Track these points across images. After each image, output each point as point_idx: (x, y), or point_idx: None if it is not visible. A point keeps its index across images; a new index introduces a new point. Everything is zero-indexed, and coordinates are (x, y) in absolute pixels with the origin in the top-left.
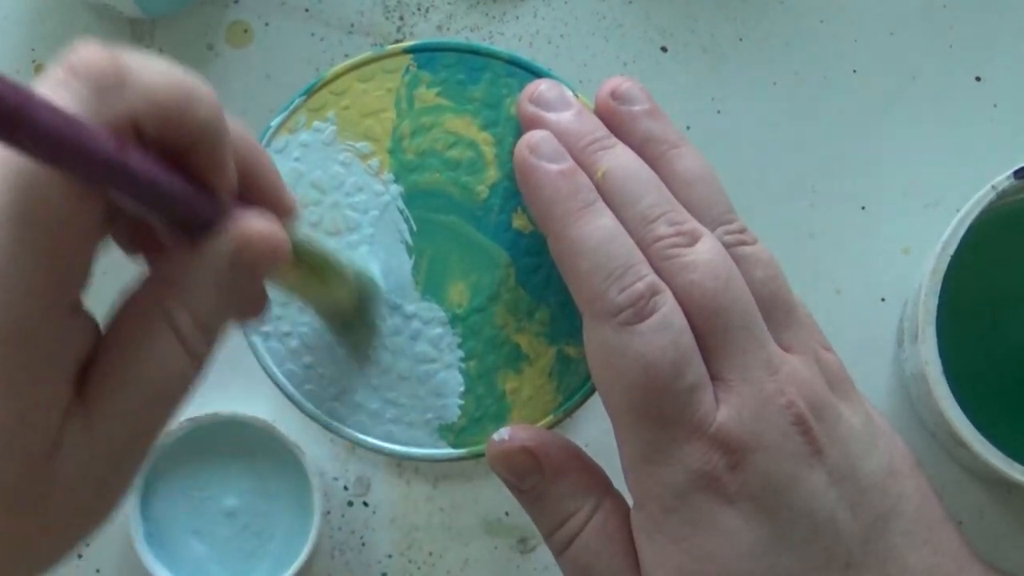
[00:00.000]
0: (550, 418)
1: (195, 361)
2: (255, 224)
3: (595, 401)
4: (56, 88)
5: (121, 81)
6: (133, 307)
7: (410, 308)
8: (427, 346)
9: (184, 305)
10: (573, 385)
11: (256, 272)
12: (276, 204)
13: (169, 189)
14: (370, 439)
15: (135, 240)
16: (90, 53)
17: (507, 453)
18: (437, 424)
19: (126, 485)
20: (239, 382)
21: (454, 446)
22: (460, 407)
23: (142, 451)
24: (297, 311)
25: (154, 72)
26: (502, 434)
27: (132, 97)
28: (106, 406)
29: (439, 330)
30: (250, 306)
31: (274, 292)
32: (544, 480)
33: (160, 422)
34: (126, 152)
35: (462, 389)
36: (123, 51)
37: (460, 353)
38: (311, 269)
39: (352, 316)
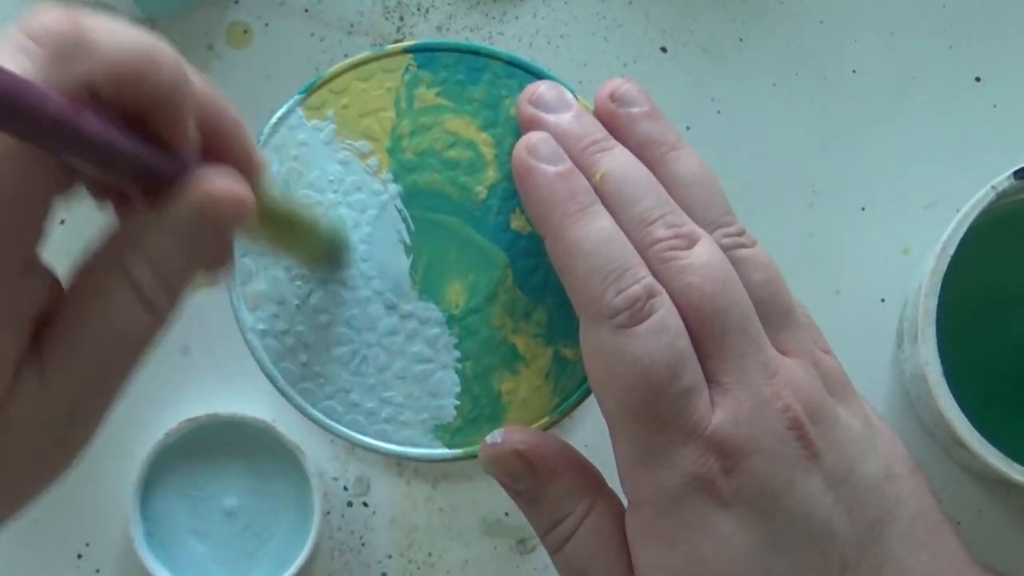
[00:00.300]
0: (546, 419)
1: (155, 316)
2: (218, 182)
3: (594, 402)
4: (12, 51)
5: (79, 45)
6: (93, 262)
7: (407, 308)
8: (424, 346)
9: (144, 260)
10: (569, 387)
11: (219, 229)
12: (243, 161)
13: (126, 151)
14: (365, 438)
15: (103, 189)
16: (49, 16)
17: (499, 456)
18: (433, 424)
19: (84, 439)
20: (239, 382)
21: (449, 446)
22: (456, 407)
23: (102, 405)
24: (295, 309)
25: (114, 36)
26: (495, 436)
27: (90, 61)
28: (61, 359)
29: (436, 330)
30: (215, 260)
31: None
32: (538, 482)
33: (119, 376)
34: (80, 116)
35: (458, 389)
36: (83, 15)
37: (457, 353)
38: (282, 224)
39: (323, 264)
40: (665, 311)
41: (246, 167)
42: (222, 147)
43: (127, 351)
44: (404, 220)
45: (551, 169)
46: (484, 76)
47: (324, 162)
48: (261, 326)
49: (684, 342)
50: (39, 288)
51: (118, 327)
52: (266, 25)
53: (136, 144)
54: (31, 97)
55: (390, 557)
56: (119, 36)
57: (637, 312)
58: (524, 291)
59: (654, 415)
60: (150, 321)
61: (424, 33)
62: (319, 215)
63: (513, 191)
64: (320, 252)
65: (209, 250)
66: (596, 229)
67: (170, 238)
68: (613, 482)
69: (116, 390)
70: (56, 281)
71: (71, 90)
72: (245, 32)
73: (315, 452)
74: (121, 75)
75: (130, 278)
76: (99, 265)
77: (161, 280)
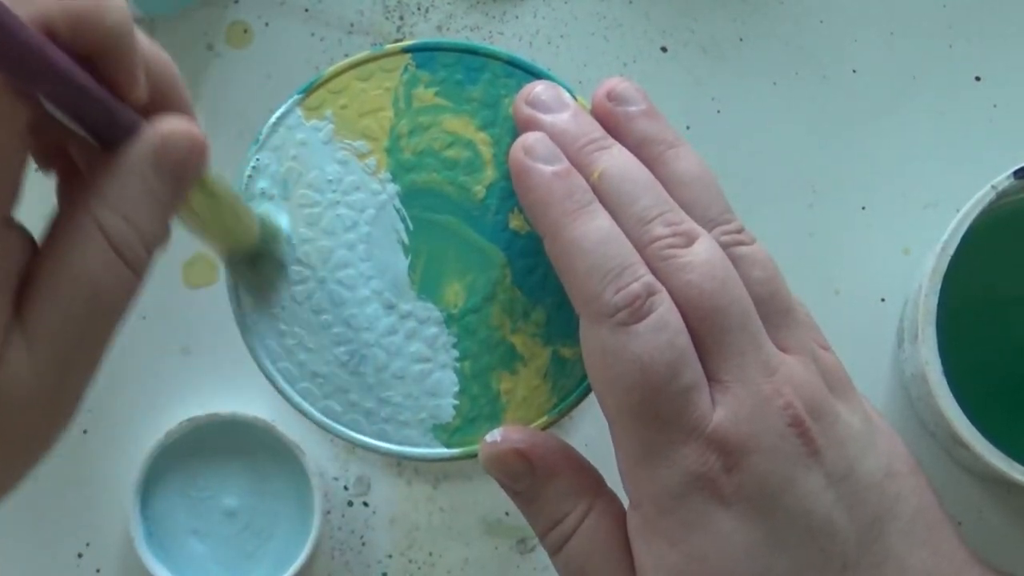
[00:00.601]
0: (544, 419)
1: (131, 267)
2: (174, 122)
3: (594, 401)
4: None
5: None
6: (65, 218)
7: (406, 307)
8: (422, 346)
9: (113, 210)
10: (568, 386)
11: (179, 170)
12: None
13: (88, 88)
14: (364, 438)
15: (50, 156)
16: None
17: (499, 455)
18: (431, 424)
19: (74, 403)
20: (239, 382)
21: (448, 446)
22: (454, 407)
23: (88, 365)
24: (294, 309)
25: None
26: (494, 435)
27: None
28: (44, 320)
29: (434, 330)
30: (174, 208)
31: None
32: (537, 481)
33: (103, 333)
34: (50, 45)
35: (456, 389)
36: None
37: (455, 353)
38: (218, 200)
39: (256, 251)
40: (664, 309)
41: None
42: (167, 105)
43: (108, 306)
44: (403, 220)
45: (548, 169)
46: (483, 76)
47: (323, 162)
48: (260, 327)
49: (684, 340)
50: (20, 247)
51: (96, 281)
52: (266, 25)
53: (96, 86)
54: (7, 19)
55: (390, 557)
56: None
57: (637, 310)
58: (523, 291)
59: (654, 414)
60: (127, 274)
61: (424, 33)
62: (247, 204)
63: (512, 191)
64: (251, 235)
65: (173, 195)
66: (594, 228)
67: (135, 184)
68: (613, 482)
69: (101, 348)
70: (32, 240)
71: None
72: (245, 32)
73: (315, 452)
74: (75, 14)
75: (102, 230)
76: (70, 221)
77: (132, 228)
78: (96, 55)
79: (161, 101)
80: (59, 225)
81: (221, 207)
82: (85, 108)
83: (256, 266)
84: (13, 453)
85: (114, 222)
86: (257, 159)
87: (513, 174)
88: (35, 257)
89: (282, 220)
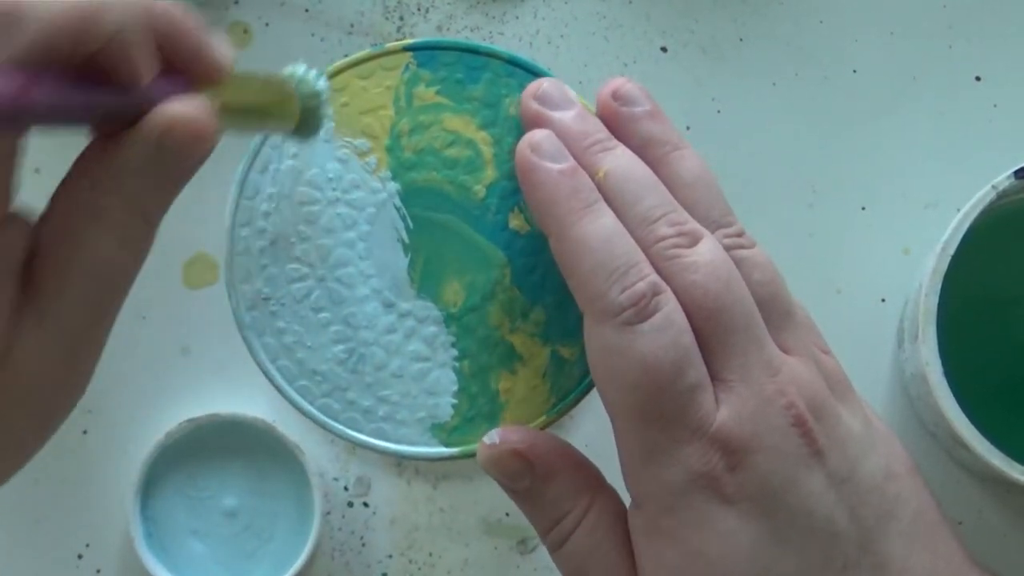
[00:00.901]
0: (543, 418)
1: (131, 246)
2: (176, 110)
3: (596, 400)
4: None
5: (17, 17)
6: (65, 200)
7: (405, 306)
8: (421, 344)
9: (111, 195)
10: (567, 386)
11: (182, 156)
12: (206, 71)
13: (86, 105)
14: (362, 436)
15: None
16: None
17: (497, 456)
18: (430, 423)
19: (84, 378)
20: (239, 382)
21: (446, 445)
22: (453, 406)
23: (96, 340)
24: (293, 307)
25: (46, 3)
26: (492, 436)
27: (32, 29)
28: (52, 301)
29: (433, 329)
30: (185, 179)
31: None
32: (536, 481)
33: (109, 308)
34: (31, 92)
35: (455, 388)
36: None
37: (454, 352)
38: (252, 109)
39: (296, 125)
40: (670, 308)
41: (209, 71)
42: (183, 61)
43: (113, 284)
44: (403, 218)
45: (554, 167)
46: (484, 75)
47: (323, 160)
48: (259, 324)
49: (688, 339)
50: (18, 239)
51: (98, 262)
52: (266, 25)
53: (94, 96)
54: None
55: (390, 557)
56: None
57: (642, 309)
58: (522, 290)
59: (658, 412)
60: (127, 253)
61: (424, 33)
62: (284, 79)
63: (511, 190)
64: (291, 117)
65: (178, 178)
66: (600, 227)
67: (133, 170)
68: (615, 480)
69: (109, 322)
70: (28, 225)
71: (22, 60)
72: (245, 32)
73: (315, 452)
74: (65, 33)
75: (105, 216)
76: (70, 203)
77: (135, 212)
78: (102, 55)
79: (173, 53)
80: (63, 208)
81: (249, 118)
82: (82, 120)
83: (297, 133)
84: (30, 428)
85: (114, 209)
86: (258, 157)
87: (519, 171)
88: (38, 235)
89: (319, 84)
